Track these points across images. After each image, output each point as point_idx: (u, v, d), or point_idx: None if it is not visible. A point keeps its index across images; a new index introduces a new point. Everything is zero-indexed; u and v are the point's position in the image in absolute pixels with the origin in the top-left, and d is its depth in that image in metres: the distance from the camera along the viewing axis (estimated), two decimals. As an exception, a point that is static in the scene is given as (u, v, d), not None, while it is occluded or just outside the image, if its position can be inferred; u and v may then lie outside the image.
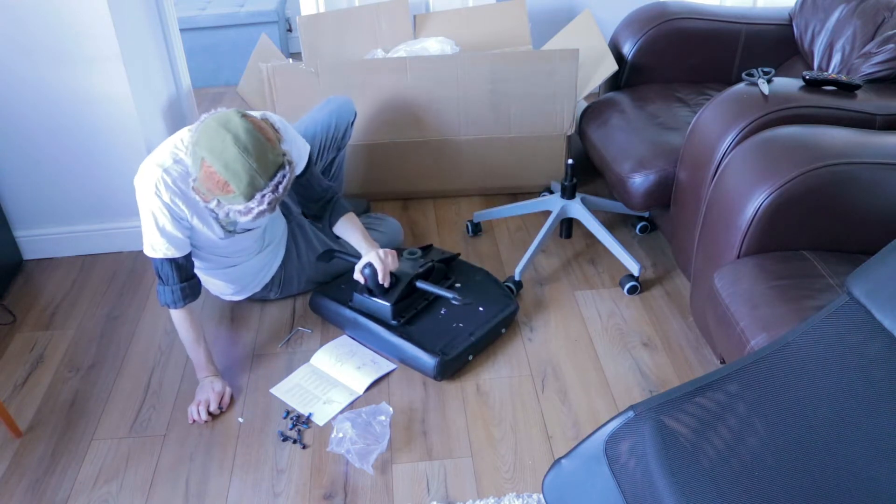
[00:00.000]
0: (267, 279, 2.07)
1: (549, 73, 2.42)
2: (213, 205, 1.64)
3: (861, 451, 1.04)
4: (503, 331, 2.00)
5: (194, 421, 1.78)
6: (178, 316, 1.83)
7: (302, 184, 1.96)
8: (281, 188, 1.61)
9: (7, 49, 2.08)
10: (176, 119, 2.58)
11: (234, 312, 2.14)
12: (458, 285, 2.09)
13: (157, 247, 1.75)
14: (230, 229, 1.85)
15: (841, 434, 1.07)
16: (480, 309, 1.98)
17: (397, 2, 2.90)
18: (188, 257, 1.80)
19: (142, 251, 2.40)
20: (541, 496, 1.55)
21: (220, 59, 3.85)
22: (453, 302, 1.93)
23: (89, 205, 2.37)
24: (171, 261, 1.77)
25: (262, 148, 1.58)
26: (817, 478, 1.04)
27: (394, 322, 1.92)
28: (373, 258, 1.90)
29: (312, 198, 2.01)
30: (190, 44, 3.18)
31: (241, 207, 1.60)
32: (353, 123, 2.30)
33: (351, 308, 1.99)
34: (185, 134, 1.74)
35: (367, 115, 2.48)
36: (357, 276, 1.94)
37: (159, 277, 1.80)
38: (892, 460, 1.02)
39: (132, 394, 1.87)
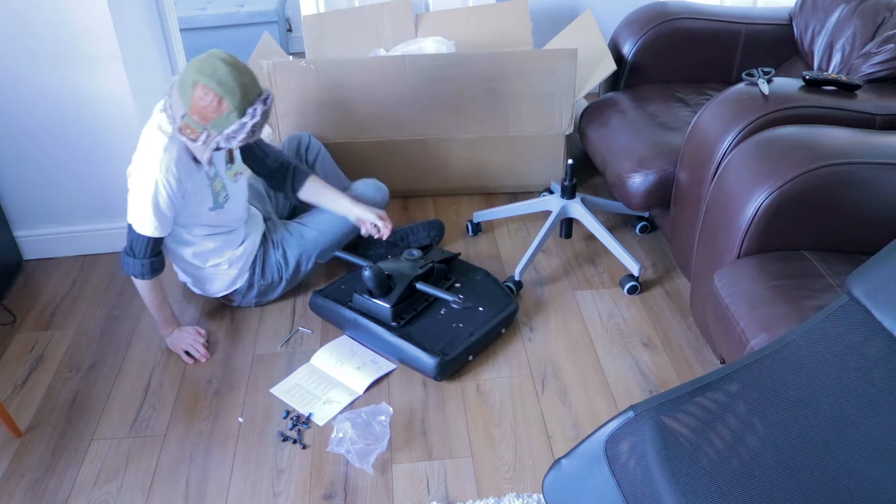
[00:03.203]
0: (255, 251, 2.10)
1: (548, 72, 2.42)
2: (202, 139, 1.72)
3: (861, 450, 1.04)
4: (503, 331, 2.00)
5: (195, 361, 1.97)
6: (145, 284, 1.92)
7: (253, 150, 2.10)
8: (269, 101, 1.74)
9: (7, 49, 2.08)
10: (176, 119, 2.58)
11: (234, 313, 2.14)
12: (457, 285, 2.09)
13: (146, 225, 1.83)
14: (220, 202, 1.95)
15: (841, 434, 1.07)
16: (480, 309, 1.98)
17: (400, 1, 2.90)
18: (162, 240, 1.90)
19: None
20: (541, 496, 1.55)
21: (220, 59, 3.85)
22: (453, 305, 1.94)
23: (89, 205, 2.37)
24: (152, 239, 1.85)
25: (246, 68, 1.73)
26: (817, 477, 1.04)
27: (394, 323, 1.93)
28: (368, 215, 2.09)
29: (269, 165, 2.12)
30: (190, 44, 3.18)
31: (235, 126, 1.70)
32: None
33: (351, 308, 1.99)
34: (160, 116, 1.81)
35: (367, 112, 2.48)
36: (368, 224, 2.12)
37: (131, 250, 1.86)
38: (892, 460, 1.02)
39: (132, 394, 1.87)
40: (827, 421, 1.10)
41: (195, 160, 1.84)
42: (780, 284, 1.47)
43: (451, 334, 1.90)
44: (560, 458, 1.23)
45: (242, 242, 2.05)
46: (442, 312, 1.98)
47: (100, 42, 2.10)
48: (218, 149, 1.77)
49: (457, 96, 2.46)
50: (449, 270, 2.14)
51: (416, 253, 2.08)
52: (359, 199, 2.16)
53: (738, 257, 1.60)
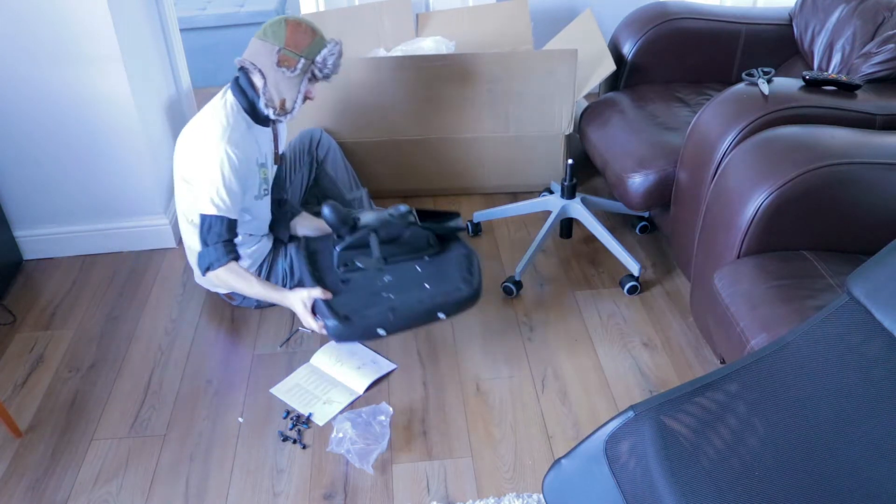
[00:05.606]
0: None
1: (548, 73, 2.42)
2: (299, 66, 1.84)
3: (861, 451, 1.04)
4: (442, 316, 1.79)
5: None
6: (225, 273, 1.86)
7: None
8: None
9: (8, 49, 2.08)
10: (176, 119, 2.58)
11: (234, 313, 2.14)
12: (426, 258, 1.94)
13: (219, 203, 1.83)
14: (262, 193, 1.99)
15: (841, 434, 1.07)
16: (426, 286, 1.82)
17: (400, 1, 2.90)
18: (235, 223, 1.89)
19: (142, 251, 2.43)
20: (541, 496, 1.55)
21: (220, 59, 3.84)
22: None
23: (89, 205, 2.37)
24: (225, 219, 1.85)
25: None
26: (817, 478, 1.04)
27: (337, 270, 1.89)
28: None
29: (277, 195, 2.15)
30: (190, 44, 3.17)
31: (327, 48, 1.88)
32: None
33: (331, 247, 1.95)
34: (218, 102, 1.90)
35: (367, 112, 2.48)
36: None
37: (204, 241, 1.85)
38: (892, 460, 1.02)
39: (132, 394, 1.87)
40: (827, 421, 1.10)
41: (256, 121, 1.92)
42: (780, 284, 1.47)
43: (373, 302, 1.77)
44: (560, 458, 1.23)
45: (259, 241, 2.05)
46: (385, 280, 1.86)
47: (100, 42, 2.10)
48: (312, 80, 1.89)
49: (457, 96, 2.46)
50: (438, 239, 1.99)
51: (404, 208, 1.94)
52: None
53: (738, 257, 1.60)
